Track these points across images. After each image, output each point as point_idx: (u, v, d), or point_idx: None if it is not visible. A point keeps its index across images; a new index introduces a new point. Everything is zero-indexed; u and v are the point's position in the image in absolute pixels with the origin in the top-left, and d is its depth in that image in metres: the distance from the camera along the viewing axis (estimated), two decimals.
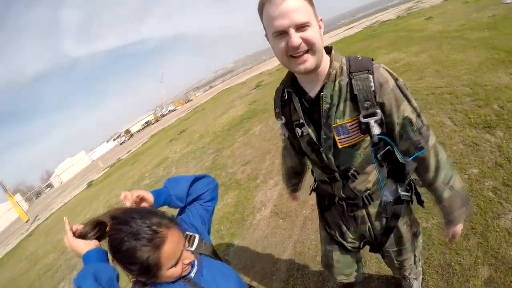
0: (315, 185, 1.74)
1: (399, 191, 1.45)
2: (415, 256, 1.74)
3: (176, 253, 1.04)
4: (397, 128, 1.25)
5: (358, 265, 1.88)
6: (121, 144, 46.92)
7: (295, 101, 1.34)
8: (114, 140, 58.87)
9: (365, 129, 1.20)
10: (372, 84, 1.18)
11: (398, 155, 1.30)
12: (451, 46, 7.22)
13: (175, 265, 1.05)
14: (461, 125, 3.79)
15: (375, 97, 1.18)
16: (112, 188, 14.93)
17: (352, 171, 1.36)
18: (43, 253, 11.04)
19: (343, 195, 1.48)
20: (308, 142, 1.39)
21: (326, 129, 1.27)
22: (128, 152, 27.29)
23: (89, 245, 1.07)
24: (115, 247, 1.02)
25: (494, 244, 2.24)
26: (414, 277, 1.99)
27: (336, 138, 1.27)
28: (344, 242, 1.71)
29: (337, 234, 1.71)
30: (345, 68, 1.24)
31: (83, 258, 1.04)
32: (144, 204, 1.21)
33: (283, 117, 1.45)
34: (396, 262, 1.72)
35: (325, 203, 1.68)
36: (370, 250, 1.71)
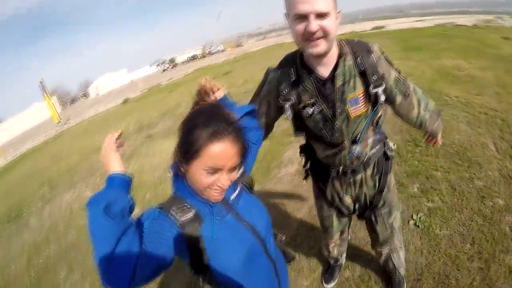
0: (309, 166, 1.95)
1: (385, 149, 1.77)
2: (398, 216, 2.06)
3: (224, 159, 1.02)
4: (391, 88, 1.52)
5: (349, 227, 2.24)
6: (163, 71, 47.29)
7: (308, 81, 1.47)
8: (157, 65, 59.38)
9: (374, 98, 1.45)
10: (374, 61, 1.42)
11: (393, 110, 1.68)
12: None
13: (215, 171, 1.03)
14: (503, 154, 3.67)
15: (377, 71, 1.43)
16: (146, 108, 14.93)
17: (358, 136, 1.55)
18: (67, 154, 11.35)
19: (348, 163, 1.67)
20: (320, 119, 1.52)
21: (341, 104, 1.44)
22: (169, 79, 27.43)
23: (120, 166, 1.08)
24: (187, 117, 1.11)
25: (494, 275, 2.31)
26: (400, 246, 2.21)
27: (349, 109, 1.45)
28: (342, 207, 1.94)
29: (337, 201, 1.92)
30: (348, 50, 1.44)
31: (107, 178, 1.05)
32: (212, 98, 1.31)
33: (292, 98, 1.52)
34: (387, 225, 1.99)
35: (325, 176, 1.82)
36: (360, 216, 2.02)
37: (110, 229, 0.92)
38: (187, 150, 1.03)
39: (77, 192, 6.72)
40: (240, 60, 25.00)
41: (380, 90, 1.42)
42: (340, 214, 2.03)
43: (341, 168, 1.71)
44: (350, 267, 2.73)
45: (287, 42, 22.30)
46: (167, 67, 49.21)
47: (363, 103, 1.46)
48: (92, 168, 8.01)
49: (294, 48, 1.52)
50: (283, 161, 5.04)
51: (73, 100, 52.40)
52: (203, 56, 53.40)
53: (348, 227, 2.26)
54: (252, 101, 1.72)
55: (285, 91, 1.53)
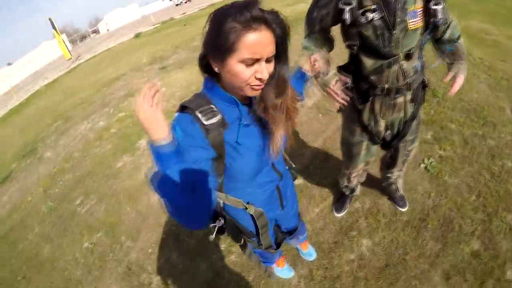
0: (352, 84, 1.83)
1: (424, 77, 1.81)
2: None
3: (261, 47, 0.94)
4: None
5: (373, 158, 2.23)
6: (176, 5, 45.49)
7: None
8: (170, 0, 57.13)
9: (433, 14, 1.46)
10: None
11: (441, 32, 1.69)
12: None
13: (253, 62, 0.96)
14: None
15: None
16: (158, 42, 14.46)
17: (411, 51, 1.57)
18: (80, 88, 11.25)
19: (394, 81, 1.67)
20: (379, 26, 1.50)
21: (402, 13, 1.45)
22: (183, 13, 26.15)
23: (166, 130, 0.88)
24: (217, 11, 0.98)
25: (495, 229, 2.39)
26: (404, 172, 2.40)
27: (408, 21, 1.47)
28: (375, 133, 1.94)
29: (372, 125, 1.91)
30: None
31: (154, 148, 0.88)
32: None
33: (352, 2, 1.49)
34: (406, 152, 2.11)
35: (366, 95, 1.79)
36: (385, 146, 2.06)
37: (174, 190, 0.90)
38: (220, 45, 0.94)
39: (91, 123, 6.61)
40: None
41: (439, 8, 1.45)
42: (371, 142, 2.02)
43: (386, 86, 1.70)
44: (360, 199, 2.82)
45: None
46: (181, 1, 47.38)
47: (420, 17, 1.49)
48: (104, 100, 7.90)
49: None
50: None
51: (83, 38, 51.55)
52: None
53: (371, 161, 2.28)
54: (310, 10, 1.72)
55: None
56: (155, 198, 3.31)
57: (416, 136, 2.04)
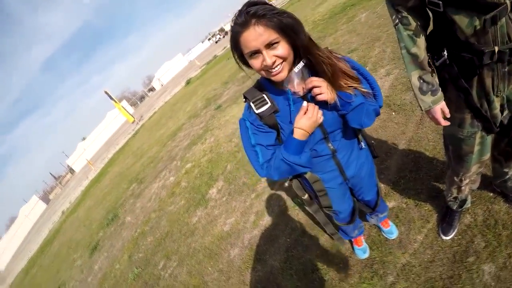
0: (446, 58, 1.43)
1: None
2: None
3: (252, 40, 1.11)
4: None
5: (489, 155, 1.76)
6: (216, 42, 47.86)
7: None
8: (209, 39, 60.21)
9: None
10: None
11: None
12: None
13: (255, 53, 1.15)
14: None
15: None
16: (209, 83, 15.21)
17: None
18: (147, 148, 11.94)
19: (505, 39, 1.22)
20: None
21: None
22: (224, 48, 27.45)
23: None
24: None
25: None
26: None
27: None
28: (489, 117, 1.48)
29: (485, 106, 1.46)
30: None
31: (302, 141, 1.31)
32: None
33: None
34: None
35: (472, 67, 1.36)
36: (500, 134, 1.65)
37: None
38: (234, 49, 1.23)
39: (163, 180, 6.87)
40: (288, 7, 23.90)
41: None
42: (486, 130, 1.57)
43: (496, 48, 1.26)
44: (470, 210, 2.27)
45: None
46: (219, 37, 49.56)
47: None
48: (171, 154, 8.23)
49: None
50: None
51: (141, 98, 55.62)
52: None
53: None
54: None
55: None
56: (235, 253, 3.21)
57: None
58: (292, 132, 1.30)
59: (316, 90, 1.24)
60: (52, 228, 16.36)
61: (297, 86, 1.25)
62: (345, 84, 1.27)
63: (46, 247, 12.06)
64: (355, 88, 1.30)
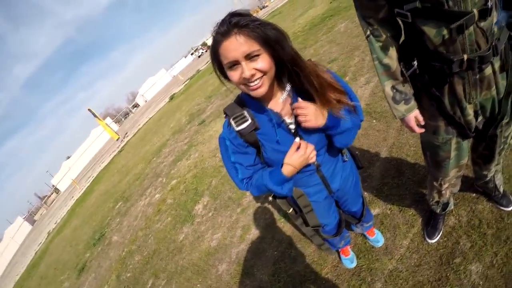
0: (416, 67, 1.48)
1: (510, 32, 1.38)
2: None
3: (232, 50, 1.06)
4: None
5: (466, 159, 1.82)
6: (199, 57, 48.19)
7: None
8: (191, 54, 60.50)
9: None
10: None
11: None
12: None
13: (233, 65, 1.10)
14: None
15: None
16: (192, 98, 15.27)
17: (489, 3, 1.17)
18: (132, 165, 11.86)
19: (474, 47, 1.27)
20: None
21: None
22: (206, 63, 27.50)
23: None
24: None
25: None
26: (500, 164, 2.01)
27: None
28: (463, 123, 1.53)
29: (458, 113, 1.51)
30: None
31: (283, 177, 1.32)
32: None
33: None
34: (503, 140, 1.70)
35: (441, 76, 1.41)
36: (478, 138, 1.67)
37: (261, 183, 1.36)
38: (214, 60, 1.17)
39: (148, 198, 6.86)
40: (269, 19, 24.37)
41: None
42: (461, 137, 1.62)
43: (465, 56, 1.30)
44: (453, 212, 2.34)
45: None
46: (202, 52, 49.80)
47: None
48: (156, 171, 8.23)
49: None
50: None
51: (126, 115, 55.17)
52: None
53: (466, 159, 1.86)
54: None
55: None
56: (223, 268, 3.23)
57: None
58: (282, 165, 1.29)
59: (300, 118, 1.23)
60: (38, 249, 16.01)
61: (283, 112, 1.28)
62: (333, 97, 1.26)
63: (33, 269, 11.80)
64: (343, 103, 1.30)
